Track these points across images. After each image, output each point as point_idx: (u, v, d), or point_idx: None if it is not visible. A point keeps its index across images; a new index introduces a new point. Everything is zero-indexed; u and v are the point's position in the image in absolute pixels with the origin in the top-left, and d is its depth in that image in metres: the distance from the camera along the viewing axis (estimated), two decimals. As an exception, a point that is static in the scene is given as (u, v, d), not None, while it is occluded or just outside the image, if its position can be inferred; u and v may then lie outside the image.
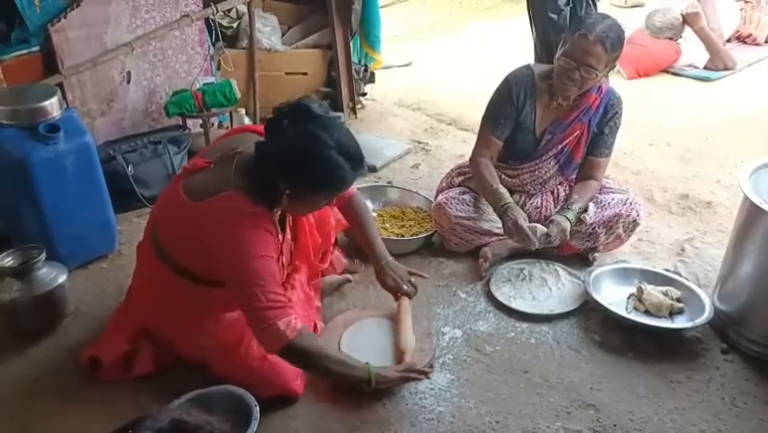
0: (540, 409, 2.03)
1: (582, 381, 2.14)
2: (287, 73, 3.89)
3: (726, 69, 4.73)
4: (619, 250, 2.75)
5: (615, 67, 2.56)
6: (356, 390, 2.01)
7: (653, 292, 2.37)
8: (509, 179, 2.72)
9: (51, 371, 2.17)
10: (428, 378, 2.05)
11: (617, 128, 2.66)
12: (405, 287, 2.27)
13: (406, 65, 4.98)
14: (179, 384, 1.95)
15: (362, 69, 4.11)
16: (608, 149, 2.67)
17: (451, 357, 2.23)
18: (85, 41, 3.06)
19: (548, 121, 2.63)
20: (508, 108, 2.61)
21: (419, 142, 3.78)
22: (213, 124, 3.55)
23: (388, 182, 3.32)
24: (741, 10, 5.11)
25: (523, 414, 2.01)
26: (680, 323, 2.32)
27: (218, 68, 3.67)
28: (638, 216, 2.62)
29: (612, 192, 2.70)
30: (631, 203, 2.63)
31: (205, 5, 3.43)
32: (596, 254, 2.70)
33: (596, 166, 2.67)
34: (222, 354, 1.99)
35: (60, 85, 2.93)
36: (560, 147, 2.64)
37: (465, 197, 2.70)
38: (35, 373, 2.16)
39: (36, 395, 2.08)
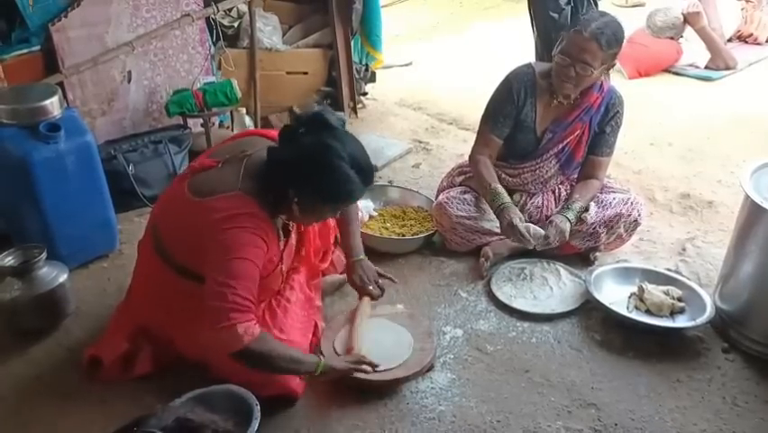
0: (541, 408, 2.03)
1: (583, 380, 2.13)
2: (287, 73, 3.88)
3: (727, 68, 4.72)
4: (620, 249, 2.75)
5: (614, 65, 2.56)
6: (356, 389, 2.01)
7: (655, 292, 2.37)
8: (510, 178, 2.71)
9: (52, 370, 2.17)
10: (375, 370, 2.04)
11: (619, 127, 2.66)
12: (370, 287, 2.28)
13: (407, 64, 4.98)
14: (180, 384, 1.95)
15: (363, 68, 4.11)
16: (610, 148, 2.66)
17: (452, 357, 2.23)
18: (85, 40, 3.06)
19: (549, 120, 2.63)
20: (508, 107, 2.61)
21: (420, 142, 3.78)
22: (213, 124, 3.55)
23: (389, 182, 3.32)
24: (742, 9, 5.10)
25: (524, 413, 2.01)
26: (681, 322, 2.31)
27: (219, 67, 3.67)
28: (639, 215, 2.62)
29: (613, 192, 2.70)
30: (632, 203, 2.62)
31: (206, 5, 3.43)
32: (597, 254, 2.70)
33: (597, 165, 2.66)
34: (222, 354, 1.98)
35: (61, 84, 2.93)
36: (561, 146, 2.64)
37: (466, 196, 2.70)
38: (36, 372, 2.16)
39: (37, 394, 2.08)
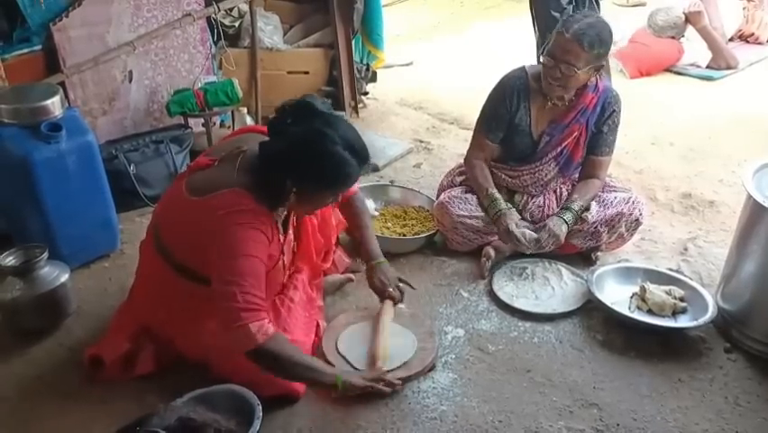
0: (543, 408, 2.03)
1: (585, 380, 2.13)
2: (288, 72, 3.89)
3: (728, 68, 4.71)
4: (622, 249, 2.74)
5: (602, 66, 2.52)
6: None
7: (656, 291, 2.37)
8: (510, 180, 2.72)
9: (53, 370, 2.17)
10: (396, 390, 2.03)
11: (617, 126, 2.65)
12: (391, 290, 2.27)
13: (408, 64, 4.98)
14: (181, 384, 1.95)
15: (364, 68, 4.11)
16: (609, 147, 2.66)
17: (453, 356, 2.22)
18: (86, 40, 3.06)
19: (545, 122, 2.63)
20: (501, 111, 2.63)
21: (421, 142, 3.77)
22: (215, 124, 3.55)
23: (391, 181, 3.32)
24: (743, 9, 5.10)
25: (526, 413, 2.01)
26: (683, 322, 2.31)
27: (220, 67, 3.67)
28: (641, 214, 2.62)
29: (615, 191, 2.70)
30: (634, 202, 2.62)
31: (207, 4, 3.43)
32: (598, 253, 2.69)
33: (597, 165, 2.66)
34: (223, 354, 1.98)
35: (62, 84, 2.94)
36: (559, 149, 2.64)
37: (468, 196, 2.69)
38: (37, 372, 2.16)
39: (38, 394, 2.08)
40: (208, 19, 3.49)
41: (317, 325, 2.24)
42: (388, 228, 2.81)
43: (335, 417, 1.98)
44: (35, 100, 2.44)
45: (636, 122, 3.88)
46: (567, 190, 2.73)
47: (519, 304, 2.44)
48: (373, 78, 4.27)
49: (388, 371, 2.07)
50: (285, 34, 3.93)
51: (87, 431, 1.94)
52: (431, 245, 2.79)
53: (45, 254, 2.29)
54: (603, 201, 2.64)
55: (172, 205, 2.00)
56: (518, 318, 2.40)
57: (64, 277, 2.34)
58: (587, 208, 2.60)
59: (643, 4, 6.01)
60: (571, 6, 3.21)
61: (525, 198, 2.72)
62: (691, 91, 4.50)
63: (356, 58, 4.02)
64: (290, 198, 1.88)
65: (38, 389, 2.10)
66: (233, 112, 3.50)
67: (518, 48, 4.50)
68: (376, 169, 3.44)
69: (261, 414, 1.80)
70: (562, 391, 2.09)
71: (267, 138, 1.93)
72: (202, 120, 3.35)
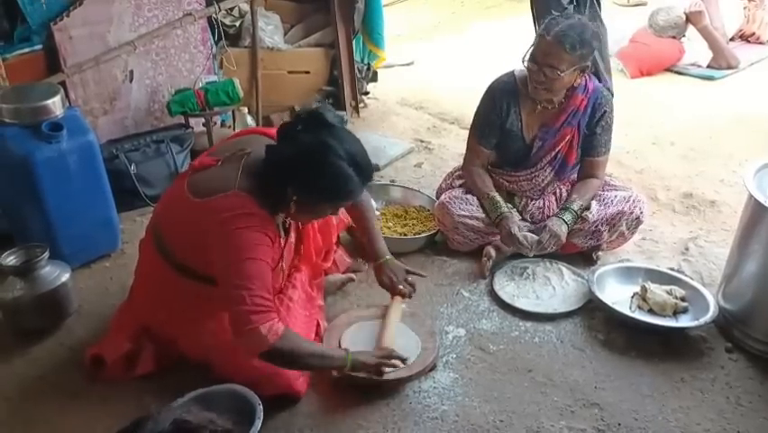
0: (544, 408, 2.03)
1: (586, 380, 2.13)
2: (289, 72, 3.88)
3: (729, 67, 4.71)
4: (623, 248, 2.74)
5: (587, 66, 2.49)
6: (358, 388, 2.01)
7: (657, 291, 2.37)
8: (508, 184, 2.73)
9: (54, 370, 2.17)
10: (404, 364, 2.05)
11: (610, 126, 2.64)
12: (400, 286, 2.27)
13: (409, 64, 4.98)
14: (182, 383, 1.95)
15: (365, 67, 4.11)
16: (605, 147, 2.65)
17: (454, 356, 2.22)
18: (87, 39, 3.06)
19: (536, 126, 2.63)
20: (492, 117, 2.63)
21: (422, 141, 3.77)
22: (215, 123, 3.54)
23: (391, 181, 3.32)
24: (744, 8, 5.10)
25: (527, 413, 2.01)
26: (684, 322, 2.31)
27: (221, 66, 3.67)
28: (641, 213, 2.62)
29: (615, 189, 2.70)
30: (634, 200, 2.62)
31: (208, 4, 3.43)
32: (599, 253, 2.69)
33: (595, 165, 2.66)
34: (224, 354, 1.98)
35: (63, 83, 2.93)
36: (553, 153, 2.64)
37: (468, 196, 2.70)
38: (38, 372, 2.16)
39: (39, 394, 2.08)
40: (209, 19, 3.49)
41: (317, 324, 2.24)
42: (389, 228, 2.81)
43: (336, 417, 1.98)
44: (36, 100, 2.44)
45: (637, 121, 3.88)
46: (567, 191, 2.73)
47: (520, 304, 2.44)
48: (374, 78, 4.27)
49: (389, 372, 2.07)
50: (285, 34, 3.93)
51: (89, 430, 1.94)
52: (432, 245, 2.79)
53: (46, 254, 2.29)
54: (603, 200, 2.64)
55: (173, 205, 2.00)
56: (519, 318, 2.40)
57: (65, 277, 2.34)
58: (587, 208, 2.60)
59: (644, 4, 6.00)
60: (572, 6, 3.21)
61: (524, 200, 2.73)
62: (692, 91, 4.50)
63: (357, 57, 4.02)
64: (290, 206, 1.88)
65: (39, 388, 2.10)
66: (233, 112, 3.50)
67: (519, 48, 4.48)
68: (377, 168, 3.43)
69: (263, 414, 1.80)
70: (564, 390, 2.09)
71: (272, 141, 1.93)
72: (203, 120, 3.35)
